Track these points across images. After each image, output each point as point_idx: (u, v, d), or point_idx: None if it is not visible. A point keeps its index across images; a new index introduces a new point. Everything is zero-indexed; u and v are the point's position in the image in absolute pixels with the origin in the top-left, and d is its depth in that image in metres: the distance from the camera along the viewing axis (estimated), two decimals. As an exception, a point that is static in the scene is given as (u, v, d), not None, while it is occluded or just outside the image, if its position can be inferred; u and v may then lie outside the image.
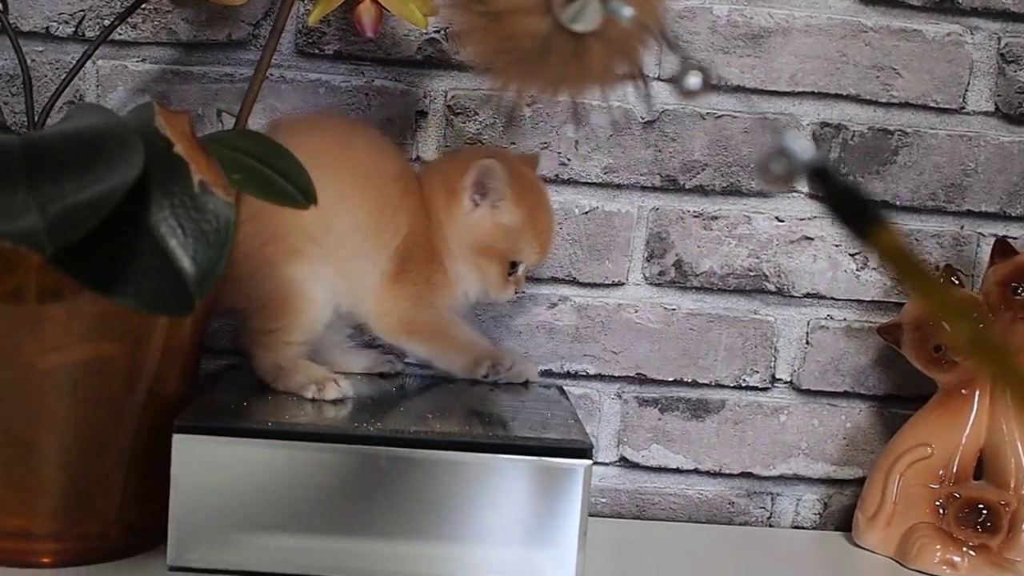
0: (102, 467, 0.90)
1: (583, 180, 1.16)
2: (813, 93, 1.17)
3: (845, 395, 1.20)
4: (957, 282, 1.11)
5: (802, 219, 1.18)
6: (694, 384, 1.19)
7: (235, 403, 0.95)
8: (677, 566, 1.05)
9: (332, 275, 0.99)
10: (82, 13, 1.11)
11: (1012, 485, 1.08)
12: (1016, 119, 1.19)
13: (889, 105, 1.18)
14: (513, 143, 1.15)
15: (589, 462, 0.88)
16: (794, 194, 1.18)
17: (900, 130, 1.18)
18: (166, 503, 0.86)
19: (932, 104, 1.18)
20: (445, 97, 1.15)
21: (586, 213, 1.16)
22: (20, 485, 0.88)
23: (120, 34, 1.12)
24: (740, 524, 1.20)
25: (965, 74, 1.18)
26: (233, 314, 1.04)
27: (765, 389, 1.19)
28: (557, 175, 1.16)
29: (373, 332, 1.05)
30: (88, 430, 0.88)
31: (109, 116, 0.82)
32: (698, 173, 1.17)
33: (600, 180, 1.16)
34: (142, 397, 0.90)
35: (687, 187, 1.17)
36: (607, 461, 1.19)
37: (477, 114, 1.15)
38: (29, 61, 1.01)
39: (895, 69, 1.17)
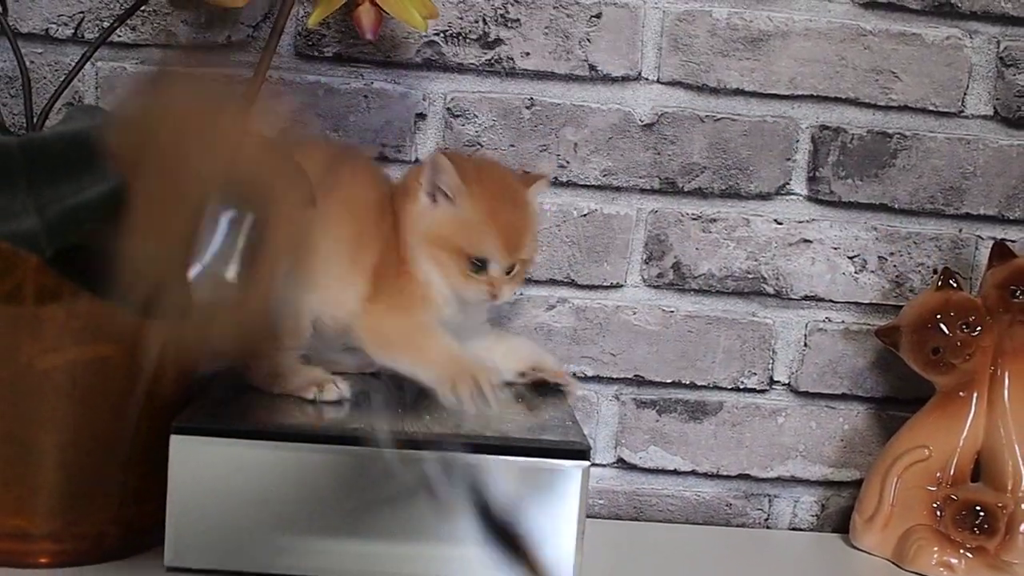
0: (100, 468, 0.90)
1: (582, 183, 1.16)
2: (812, 96, 1.17)
3: (843, 397, 1.20)
4: (955, 285, 1.11)
5: (801, 222, 1.18)
6: (692, 386, 1.19)
7: (233, 404, 0.95)
8: (674, 568, 1.05)
9: (316, 300, 0.99)
10: (81, 15, 1.12)
11: (1009, 487, 1.08)
12: (1015, 122, 1.19)
13: (888, 108, 1.18)
14: (512, 145, 1.15)
15: (587, 463, 0.88)
16: (793, 197, 1.18)
17: (899, 133, 1.18)
18: (164, 504, 0.86)
19: (931, 107, 1.18)
20: (444, 100, 1.15)
21: (584, 215, 1.16)
22: (18, 485, 0.88)
23: (119, 36, 1.12)
24: (737, 526, 1.20)
25: (964, 77, 1.18)
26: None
27: (763, 391, 1.19)
28: (556, 177, 1.16)
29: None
30: (86, 431, 0.88)
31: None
32: (697, 176, 1.17)
33: (599, 182, 1.16)
34: (140, 398, 0.90)
35: (686, 190, 1.17)
36: (605, 463, 1.19)
37: (476, 117, 1.15)
38: (28, 63, 1.01)
39: (894, 72, 1.18)
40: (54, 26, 1.12)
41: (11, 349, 0.85)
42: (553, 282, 1.17)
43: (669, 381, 1.19)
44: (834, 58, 1.17)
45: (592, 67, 1.15)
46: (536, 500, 0.88)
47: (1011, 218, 1.20)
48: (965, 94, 1.19)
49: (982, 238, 1.20)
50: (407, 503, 0.87)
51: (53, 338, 0.85)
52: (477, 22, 1.14)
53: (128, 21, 1.10)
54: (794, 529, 1.21)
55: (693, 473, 1.20)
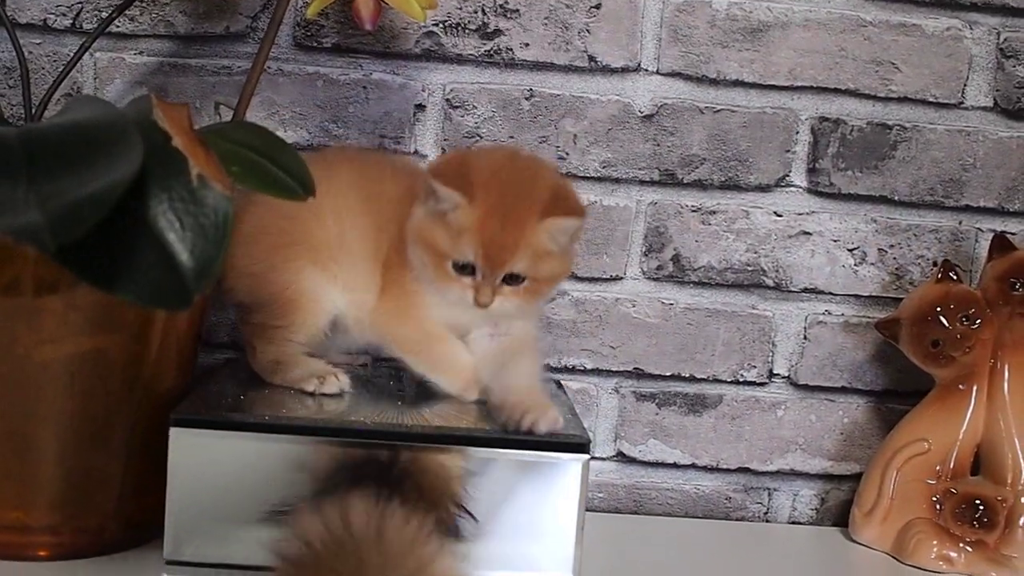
0: (99, 460, 0.90)
1: (581, 174, 1.16)
2: (812, 87, 1.17)
3: (843, 390, 1.20)
4: (955, 277, 1.11)
5: (800, 214, 1.18)
6: (692, 379, 1.19)
7: (232, 397, 0.95)
8: (674, 561, 1.05)
9: (341, 290, 0.99)
10: (80, 5, 1.11)
11: (1009, 481, 1.08)
12: (1015, 114, 1.19)
13: (888, 100, 1.18)
14: (511, 136, 1.15)
15: (586, 457, 0.88)
16: (792, 188, 1.18)
17: (899, 125, 1.18)
18: (163, 496, 0.86)
19: (931, 99, 1.18)
20: (443, 90, 1.15)
21: (555, 170, 1.15)
22: (17, 478, 0.88)
23: (118, 26, 1.11)
24: (737, 519, 1.20)
25: (964, 69, 1.18)
26: (237, 308, 1.03)
27: (763, 384, 1.19)
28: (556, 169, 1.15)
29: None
30: (85, 423, 0.88)
31: (107, 108, 0.82)
32: (696, 167, 1.17)
33: (598, 174, 1.16)
34: (139, 390, 0.90)
35: (685, 181, 1.17)
36: (604, 456, 1.19)
37: (476, 107, 1.15)
38: (27, 53, 1.00)
39: (894, 64, 1.17)
40: (52, 16, 1.11)
41: (9, 341, 0.85)
42: (552, 274, 1.16)
43: (669, 374, 1.18)
44: (834, 49, 1.16)
45: (591, 58, 1.15)
46: (536, 493, 0.88)
47: (1011, 210, 1.20)
48: (965, 85, 1.18)
49: (982, 230, 1.20)
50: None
51: (52, 330, 0.85)
52: (476, 12, 1.14)
53: (127, 12, 1.09)
54: (793, 523, 1.21)
55: (693, 466, 1.20)
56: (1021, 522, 1.07)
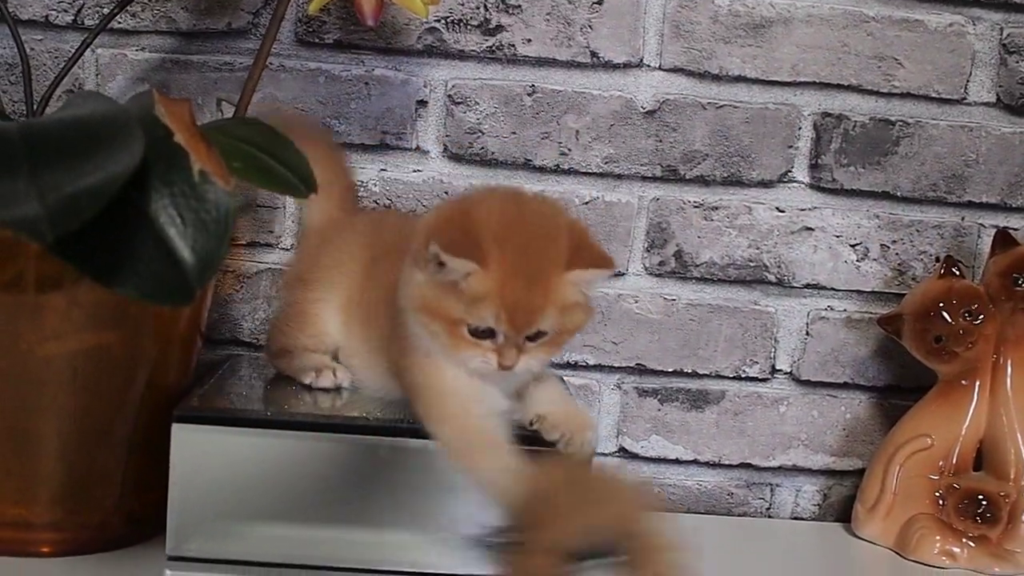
0: (101, 456, 0.90)
1: (583, 170, 1.16)
2: (814, 83, 1.17)
3: (845, 386, 1.20)
4: (958, 273, 1.11)
5: (803, 210, 1.18)
6: (694, 375, 1.19)
7: (234, 393, 0.95)
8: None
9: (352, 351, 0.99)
10: (81, 1, 1.11)
11: (1012, 476, 1.08)
12: (1017, 110, 1.19)
13: (891, 95, 1.18)
14: (514, 132, 1.15)
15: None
16: (795, 184, 1.17)
17: (901, 120, 1.18)
18: (165, 493, 0.86)
19: (934, 95, 1.18)
20: (446, 86, 1.15)
21: (586, 203, 1.16)
22: (19, 474, 0.88)
23: (119, 22, 1.11)
24: (739, 515, 1.20)
25: (967, 65, 1.18)
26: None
27: (765, 380, 1.19)
28: (557, 165, 1.15)
29: None
30: (87, 419, 0.88)
31: (108, 103, 0.82)
32: (699, 163, 1.17)
33: (600, 170, 1.16)
34: (141, 386, 0.90)
35: (688, 177, 1.17)
36: (607, 451, 1.18)
37: (478, 104, 1.15)
38: (28, 49, 1.00)
39: (897, 59, 1.17)
40: (54, 12, 1.11)
41: (12, 337, 0.85)
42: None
43: (671, 370, 1.18)
44: (836, 45, 1.16)
45: (594, 54, 1.15)
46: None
47: (1014, 206, 1.19)
48: (968, 81, 1.18)
49: (984, 226, 1.19)
50: (408, 491, 0.87)
51: (54, 326, 0.85)
52: (478, 8, 1.14)
53: (128, 8, 1.09)
54: (796, 518, 1.21)
55: (695, 462, 1.19)
56: None
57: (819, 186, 1.18)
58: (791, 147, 1.17)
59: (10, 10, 1.03)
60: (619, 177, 1.16)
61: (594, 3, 1.14)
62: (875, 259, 1.19)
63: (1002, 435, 1.09)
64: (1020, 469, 1.08)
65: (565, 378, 1.14)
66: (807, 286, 1.19)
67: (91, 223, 0.64)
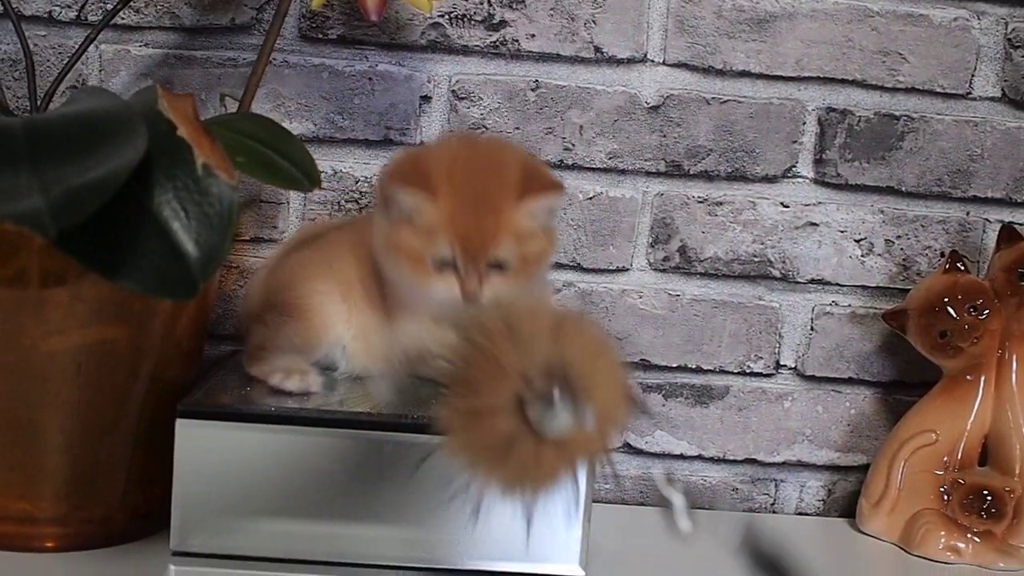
0: (105, 451, 0.90)
1: (587, 165, 1.16)
2: (819, 78, 1.16)
3: (849, 381, 1.20)
4: (963, 268, 1.11)
5: (807, 205, 1.17)
6: (698, 370, 1.19)
7: (239, 388, 0.95)
8: (680, 552, 1.05)
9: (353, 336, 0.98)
10: (85, -3, 1.11)
11: (1017, 471, 1.08)
12: (1022, 104, 1.18)
13: (895, 90, 1.17)
14: (517, 128, 1.15)
15: (593, 447, 0.88)
16: (799, 179, 1.17)
17: (906, 115, 1.18)
18: (169, 488, 0.86)
19: (938, 89, 1.18)
20: (449, 82, 1.14)
21: (590, 199, 1.16)
22: (23, 469, 0.88)
23: (123, 18, 1.11)
24: (744, 510, 1.20)
25: (972, 59, 1.18)
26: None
27: (769, 375, 1.19)
28: (561, 160, 1.15)
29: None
30: (91, 414, 0.88)
31: (112, 99, 0.82)
32: (703, 158, 1.16)
33: (604, 165, 1.16)
34: (145, 381, 0.90)
35: (692, 172, 1.17)
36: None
37: (481, 99, 1.14)
38: (32, 45, 1.01)
39: (901, 54, 1.17)
40: (57, 8, 1.11)
41: (16, 332, 0.85)
42: (559, 266, 1.16)
43: (675, 365, 1.18)
44: (841, 39, 1.16)
45: (598, 49, 1.15)
46: (543, 483, 0.87)
47: (1019, 201, 1.19)
48: (973, 76, 1.18)
49: (989, 221, 1.19)
50: (413, 487, 0.87)
51: (58, 321, 0.85)
52: (482, 3, 1.14)
53: (132, 3, 1.09)
54: (800, 514, 1.21)
55: (699, 458, 1.19)
56: (1029, 513, 1.07)
57: (823, 181, 1.18)
58: (795, 142, 1.17)
59: (14, 6, 1.03)
60: (623, 172, 1.16)
61: (598, -2, 1.14)
62: (880, 254, 1.19)
63: (1007, 430, 1.09)
64: (1025, 464, 1.08)
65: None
66: (811, 281, 1.18)
67: (94, 217, 0.64)
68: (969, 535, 1.06)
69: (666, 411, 1.18)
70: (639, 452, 1.19)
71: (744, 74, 1.16)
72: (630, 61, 1.15)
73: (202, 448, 0.86)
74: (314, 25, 1.13)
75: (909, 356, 1.15)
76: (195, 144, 0.73)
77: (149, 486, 0.92)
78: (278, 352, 0.96)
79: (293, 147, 0.91)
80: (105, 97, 0.82)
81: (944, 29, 1.17)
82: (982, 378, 1.10)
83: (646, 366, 1.18)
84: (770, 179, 1.17)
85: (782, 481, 1.20)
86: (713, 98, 1.16)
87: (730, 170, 1.17)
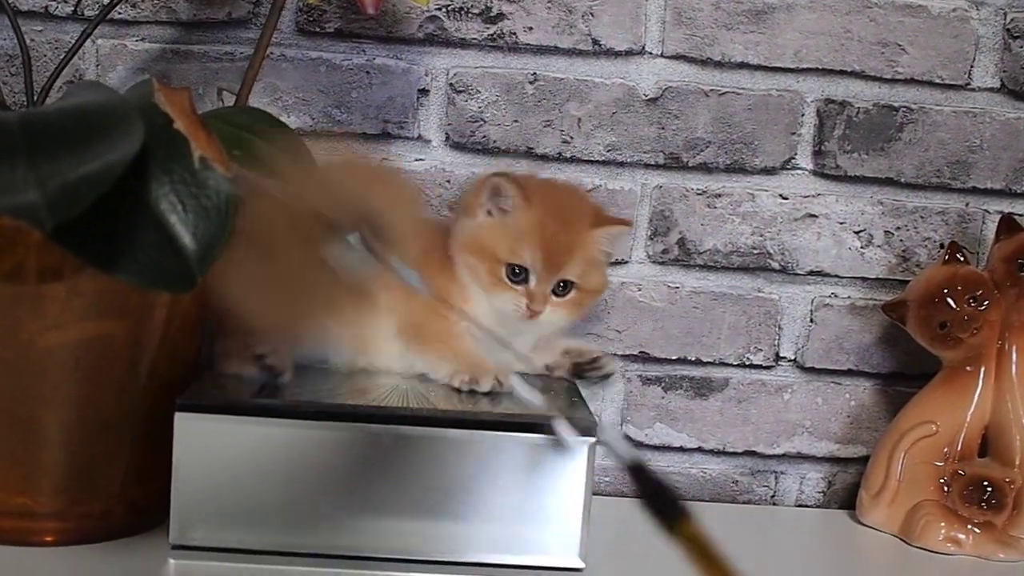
0: (104, 446, 0.90)
1: (585, 158, 1.16)
2: (817, 69, 1.16)
3: (849, 373, 1.20)
4: (963, 259, 1.11)
5: (806, 196, 1.17)
6: (698, 363, 1.18)
7: (238, 382, 0.94)
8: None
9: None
10: (81, -9, 1.11)
11: (1017, 462, 1.08)
12: (1021, 95, 1.18)
13: (894, 81, 1.17)
14: (516, 121, 1.14)
15: (593, 440, 0.88)
16: (798, 171, 1.17)
17: (905, 106, 1.17)
18: (168, 482, 0.86)
19: (937, 80, 1.17)
20: (447, 75, 1.14)
21: (589, 191, 1.16)
22: (22, 464, 0.88)
23: (119, 13, 1.11)
24: (744, 502, 1.20)
25: (971, 50, 1.17)
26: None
27: (769, 367, 1.19)
28: (560, 153, 1.15)
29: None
30: (90, 409, 0.88)
31: (108, 93, 0.82)
32: (702, 151, 1.16)
33: (603, 158, 1.16)
34: (144, 376, 0.90)
35: (690, 165, 1.16)
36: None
37: (479, 92, 1.14)
38: (28, 40, 1.00)
39: (900, 45, 1.17)
40: (54, 3, 1.11)
41: (13, 327, 0.85)
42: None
43: (675, 358, 1.18)
44: (839, 30, 1.16)
45: (595, 41, 1.15)
46: (543, 477, 0.88)
47: (1018, 191, 1.19)
48: (971, 66, 1.18)
49: (989, 212, 1.19)
50: (414, 480, 0.87)
51: (55, 316, 0.85)
52: (479, -3, 1.14)
53: (128, -2, 1.09)
54: (800, 506, 1.21)
55: (699, 450, 1.19)
56: (1029, 504, 1.07)
57: (822, 173, 1.17)
58: (794, 134, 1.17)
59: (10, 1, 1.03)
60: (621, 165, 1.16)
61: (596, -10, 1.14)
62: (879, 246, 1.18)
63: (1007, 421, 1.09)
64: (1025, 455, 1.08)
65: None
66: (811, 273, 1.18)
67: (91, 211, 0.64)
68: (969, 526, 1.06)
69: (666, 404, 1.18)
70: (639, 444, 1.18)
71: (742, 66, 1.16)
72: (628, 53, 1.15)
73: (201, 442, 0.86)
74: (311, 19, 1.13)
75: (909, 347, 1.15)
76: (192, 137, 0.73)
77: (148, 480, 0.92)
78: (236, 355, 0.96)
79: (289, 141, 0.91)
80: (102, 91, 0.82)
81: (943, 20, 1.17)
82: (982, 369, 1.10)
83: (646, 359, 1.18)
84: (769, 171, 1.17)
85: (782, 473, 1.20)
86: (711, 90, 1.16)
87: (729, 162, 1.17)
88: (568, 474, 0.88)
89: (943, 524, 1.06)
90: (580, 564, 0.89)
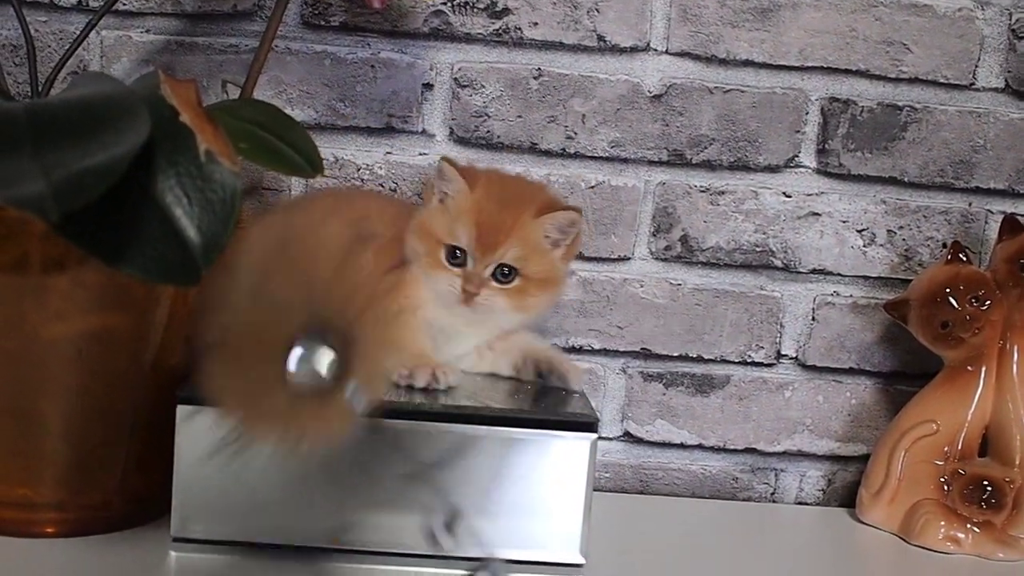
0: (106, 437, 0.90)
1: (589, 154, 1.15)
2: (822, 68, 1.16)
3: (850, 371, 1.20)
4: (965, 259, 1.11)
5: (809, 195, 1.17)
6: (699, 359, 1.18)
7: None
8: (680, 541, 1.05)
9: None
10: (86, -18, 1.11)
11: (1017, 462, 1.08)
12: (1026, 95, 1.18)
13: (898, 80, 1.17)
14: (519, 116, 1.14)
15: (594, 436, 0.88)
16: (801, 169, 1.17)
17: (909, 106, 1.17)
18: (169, 474, 0.86)
19: (942, 80, 1.17)
20: (452, 70, 1.14)
21: (592, 187, 1.16)
22: (23, 455, 0.88)
23: (124, 4, 1.11)
24: (744, 500, 1.20)
25: (975, 50, 1.17)
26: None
27: (770, 365, 1.19)
28: (563, 149, 1.15)
29: None
30: (92, 400, 0.88)
31: (114, 84, 0.82)
32: (705, 148, 1.16)
33: (607, 154, 1.16)
34: (146, 368, 0.90)
35: (694, 162, 1.16)
36: (611, 436, 1.18)
37: (484, 87, 1.14)
38: (33, 31, 1.00)
39: (905, 44, 1.17)
40: (58, -6, 1.11)
41: (17, 319, 0.85)
42: (560, 254, 1.16)
43: (676, 354, 1.18)
44: (844, 29, 1.16)
45: (600, 37, 1.14)
46: (544, 472, 0.88)
47: (1021, 192, 1.19)
48: (976, 66, 1.18)
49: (992, 212, 1.19)
50: (415, 475, 0.87)
51: (59, 308, 0.85)
52: (485, -8, 1.14)
53: (133, -11, 1.09)
54: (800, 503, 1.21)
55: (700, 447, 1.19)
56: (1029, 504, 1.07)
57: (826, 171, 1.17)
58: (798, 132, 1.17)
59: (15, -9, 1.03)
60: (625, 161, 1.16)
61: (601, -14, 1.14)
62: (882, 244, 1.18)
63: (1007, 421, 1.09)
64: (1026, 455, 1.08)
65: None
66: (813, 271, 1.18)
67: (97, 203, 0.64)
68: (969, 525, 1.06)
69: (667, 400, 1.18)
70: (640, 441, 1.19)
71: (747, 63, 1.16)
72: (633, 50, 1.15)
73: (203, 434, 0.86)
74: (316, 12, 1.13)
75: (910, 346, 1.15)
76: (198, 130, 0.73)
77: (149, 472, 0.92)
78: None
79: (295, 133, 0.91)
80: (107, 82, 0.82)
81: (948, 19, 1.17)
82: (983, 369, 1.10)
83: (647, 355, 1.18)
84: (772, 169, 1.17)
85: (782, 471, 1.20)
86: (716, 87, 1.16)
87: (732, 159, 1.17)
88: (569, 470, 0.88)
89: (943, 523, 1.06)
90: (581, 560, 0.89)
